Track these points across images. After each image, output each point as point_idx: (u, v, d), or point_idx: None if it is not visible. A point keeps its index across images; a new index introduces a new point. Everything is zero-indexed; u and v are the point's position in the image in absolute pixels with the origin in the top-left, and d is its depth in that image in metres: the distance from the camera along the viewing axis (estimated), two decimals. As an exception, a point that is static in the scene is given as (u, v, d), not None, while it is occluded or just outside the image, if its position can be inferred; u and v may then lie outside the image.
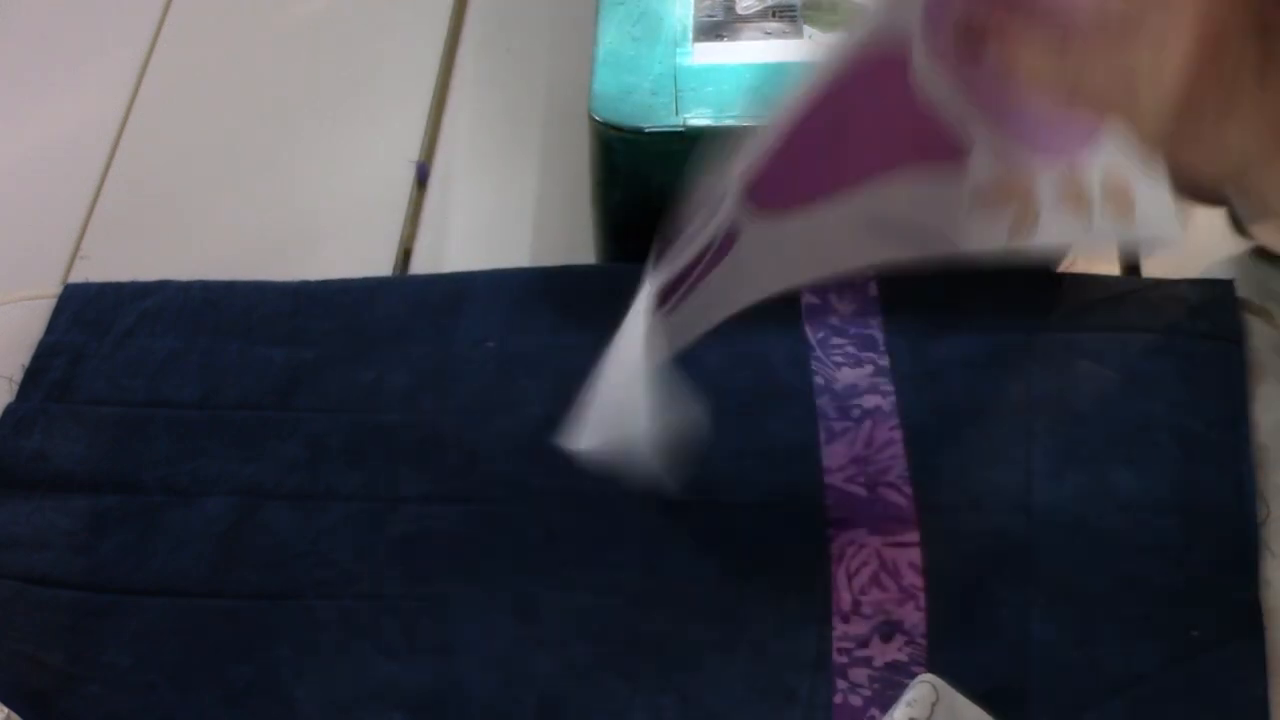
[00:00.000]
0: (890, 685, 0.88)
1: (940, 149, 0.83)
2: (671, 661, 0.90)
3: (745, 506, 0.97)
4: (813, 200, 0.84)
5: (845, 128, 0.80)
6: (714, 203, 0.82)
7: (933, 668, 0.87)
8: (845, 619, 0.92)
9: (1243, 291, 1.04)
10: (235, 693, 0.90)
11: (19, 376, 1.06)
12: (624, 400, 0.88)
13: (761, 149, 0.79)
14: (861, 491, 0.97)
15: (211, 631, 0.93)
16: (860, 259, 0.87)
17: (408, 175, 1.20)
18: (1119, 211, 0.84)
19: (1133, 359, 1.00)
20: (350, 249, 1.15)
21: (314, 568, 0.95)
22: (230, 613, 0.94)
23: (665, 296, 0.85)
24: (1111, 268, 1.10)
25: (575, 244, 1.12)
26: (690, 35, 1.09)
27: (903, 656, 0.89)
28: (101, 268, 1.14)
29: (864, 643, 0.90)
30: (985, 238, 0.84)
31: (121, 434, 1.03)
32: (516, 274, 1.10)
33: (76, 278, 1.13)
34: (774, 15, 1.10)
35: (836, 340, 1.04)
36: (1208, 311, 1.03)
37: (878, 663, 0.89)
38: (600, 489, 0.98)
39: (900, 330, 1.04)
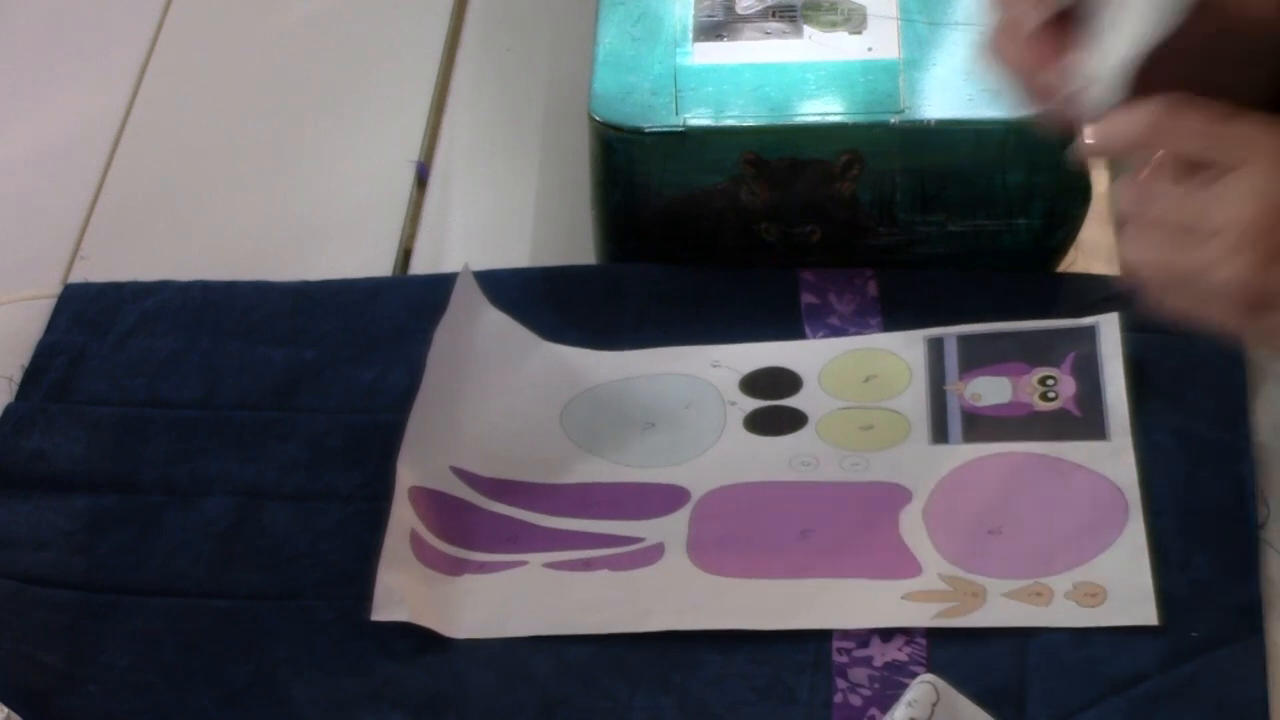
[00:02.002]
0: (890, 685, 0.88)
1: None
2: (671, 661, 0.90)
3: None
4: None
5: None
6: None
7: (933, 667, 0.87)
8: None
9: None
10: (233, 692, 0.90)
11: (19, 376, 1.06)
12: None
13: None
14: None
15: (210, 631, 0.93)
16: None
17: (408, 175, 1.20)
18: (1090, 602, 0.90)
19: (1133, 359, 1.00)
20: (350, 249, 1.15)
21: (313, 568, 0.95)
22: (229, 613, 0.94)
23: None
24: (1112, 268, 1.10)
25: (575, 244, 1.12)
26: (690, 35, 1.09)
27: (903, 656, 0.89)
28: (101, 268, 1.14)
29: (864, 643, 0.90)
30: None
31: (121, 434, 1.03)
32: (516, 274, 1.10)
33: (76, 278, 1.13)
34: (774, 15, 1.10)
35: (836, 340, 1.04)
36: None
37: (878, 663, 0.89)
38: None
39: (900, 330, 1.04)
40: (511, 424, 1.01)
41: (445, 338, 1.01)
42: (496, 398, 1.02)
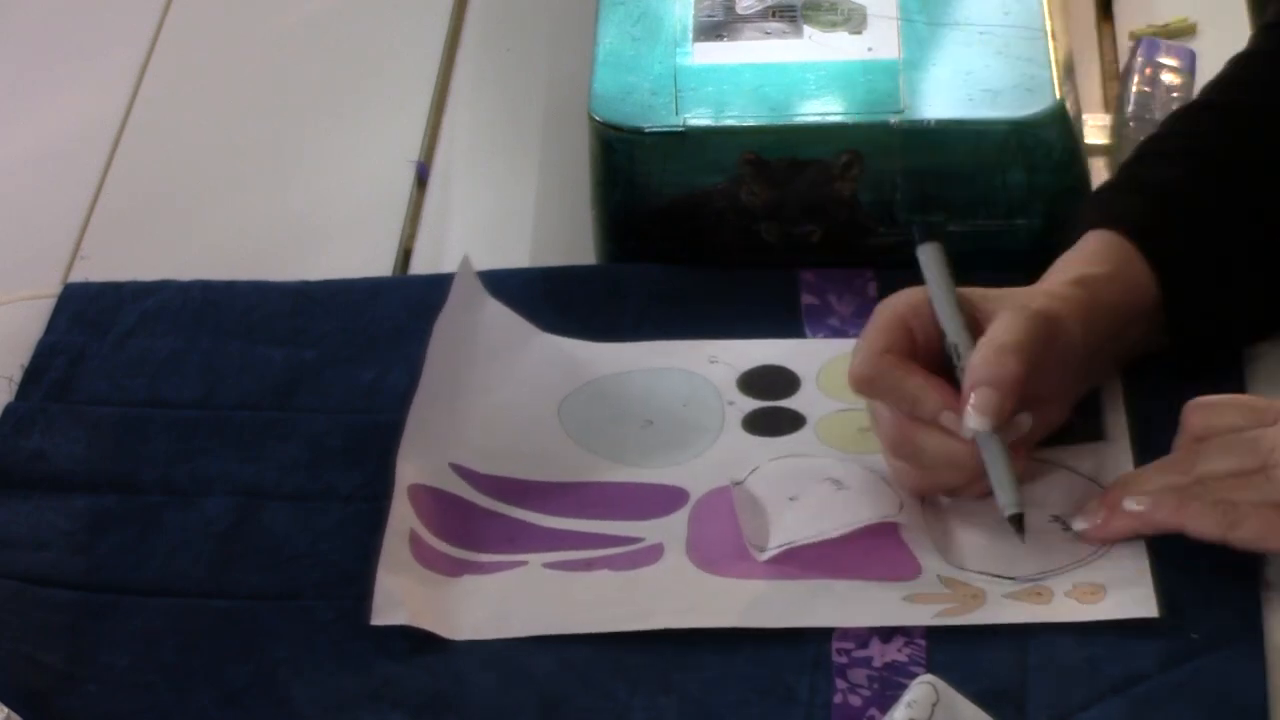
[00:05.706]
0: (890, 685, 0.88)
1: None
2: (671, 661, 0.90)
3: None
4: None
5: None
6: None
7: (933, 668, 0.87)
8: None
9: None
10: (233, 692, 0.90)
11: (19, 376, 1.06)
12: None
13: None
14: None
15: (210, 632, 0.93)
16: None
17: (408, 175, 1.20)
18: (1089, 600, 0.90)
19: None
20: (350, 249, 1.15)
21: (313, 568, 0.95)
22: (229, 613, 0.94)
23: None
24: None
25: (575, 244, 1.12)
26: (690, 35, 1.09)
27: (902, 657, 0.89)
28: (101, 268, 1.14)
29: (864, 643, 0.90)
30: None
31: (121, 434, 1.02)
32: (516, 274, 1.10)
33: (76, 278, 1.13)
34: (774, 15, 1.10)
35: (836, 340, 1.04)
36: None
37: (877, 663, 0.89)
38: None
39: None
40: (510, 419, 1.01)
41: (445, 329, 1.01)
42: (496, 391, 1.02)
